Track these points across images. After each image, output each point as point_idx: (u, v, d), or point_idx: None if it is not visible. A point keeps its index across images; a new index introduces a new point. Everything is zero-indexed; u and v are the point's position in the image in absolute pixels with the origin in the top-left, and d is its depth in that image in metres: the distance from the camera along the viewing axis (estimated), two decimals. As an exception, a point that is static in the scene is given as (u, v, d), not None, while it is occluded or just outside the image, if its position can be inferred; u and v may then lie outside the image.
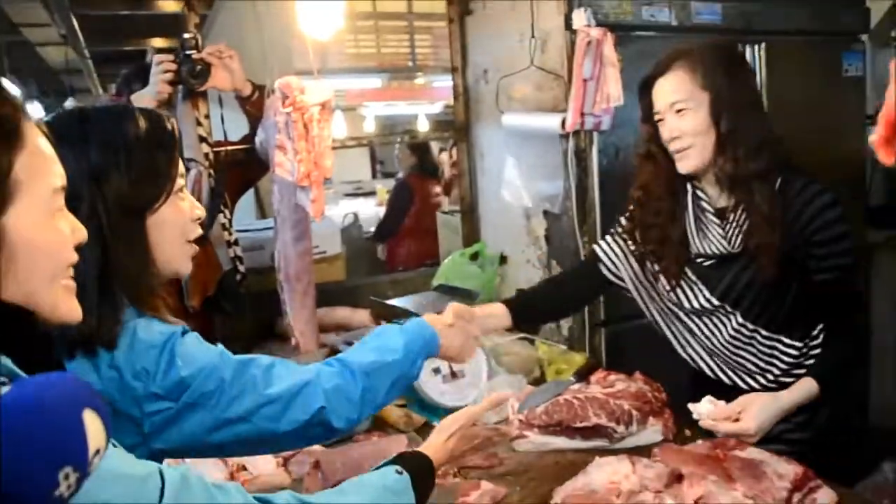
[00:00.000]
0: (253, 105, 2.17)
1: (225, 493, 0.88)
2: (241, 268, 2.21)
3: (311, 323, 2.23)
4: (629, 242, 1.76)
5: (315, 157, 1.92)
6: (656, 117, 1.61)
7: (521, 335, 2.28)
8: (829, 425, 1.62)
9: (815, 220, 1.52)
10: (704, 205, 1.64)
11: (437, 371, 1.83)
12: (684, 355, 1.74)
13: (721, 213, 1.62)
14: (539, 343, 2.28)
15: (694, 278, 1.67)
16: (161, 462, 0.86)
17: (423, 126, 8.11)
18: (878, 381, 3.14)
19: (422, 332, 1.36)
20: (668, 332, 1.76)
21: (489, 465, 1.60)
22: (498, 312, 1.72)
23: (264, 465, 1.59)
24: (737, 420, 1.47)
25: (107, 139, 1.07)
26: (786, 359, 1.62)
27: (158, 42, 4.07)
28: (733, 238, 1.59)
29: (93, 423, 0.62)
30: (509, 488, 1.48)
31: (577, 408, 1.64)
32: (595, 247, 1.84)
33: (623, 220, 1.78)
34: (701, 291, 1.66)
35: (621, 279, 1.79)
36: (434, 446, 1.23)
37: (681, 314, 1.72)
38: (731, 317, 1.63)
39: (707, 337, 1.69)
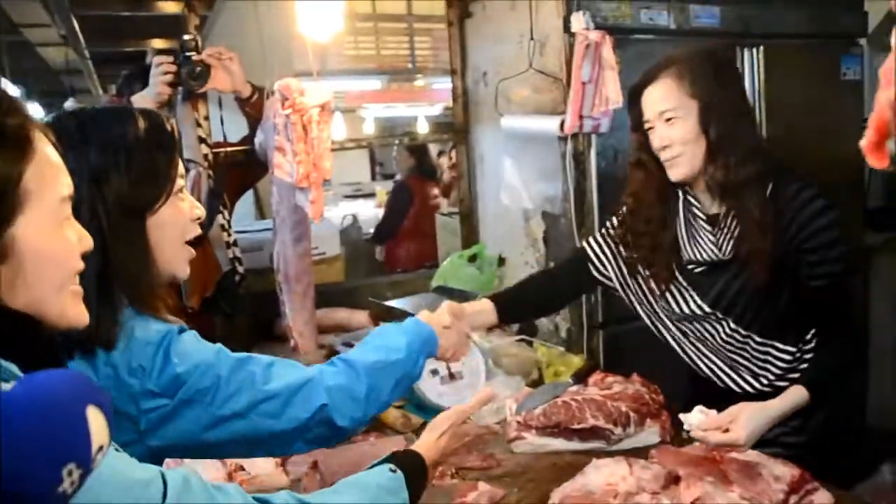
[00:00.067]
0: (252, 106, 2.18)
1: (224, 493, 0.88)
2: (241, 269, 2.22)
3: (310, 324, 2.24)
4: (620, 247, 1.76)
5: (314, 159, 1.93)
6: (646, 126, 1.60)
7: (520, 337, 2.29)
8: (827, 428, 1.61)
9: (807, 226, 1.51)
10: (696, 211, 1.63)
11: (435, 372, 1.84)
12: (684, 357, 1.74)
13: (713, 220, 1.61)
14: (537, 345, 2.28)
15: (685, 285, 1.66)
16: (160, 462, 0.87)
17: (422, 128, 8.13)
18: (876, 382, 3.13)
19: (420, 332, 1.37)
20: (658, 335, 1.76)
21: (487, 466, 1.60)
22: (486, 308, 1.71)
23: (262, 466, 1.59)
24: (727, 431, 1.46)
25: (107, 140, 1.07)
26: (780, 364, 1.62)
27: (158, 43, 4.07)
28: (725, 245, 1.58)
29: (96, 420, 0.62)
30: (507, 489, 1.49)
31: (574, 409, 1.64)
32: (585, 245, 1.84)
33: (615, 221, 1.78)
34: (692, 298, 1.65)
35: (609, 279, 1.79)
36: (426, 444, 1.23)
37: (671, 319, 1.71)
38: (724, 323, 1.63)
39: (700, 342, 1.69)
